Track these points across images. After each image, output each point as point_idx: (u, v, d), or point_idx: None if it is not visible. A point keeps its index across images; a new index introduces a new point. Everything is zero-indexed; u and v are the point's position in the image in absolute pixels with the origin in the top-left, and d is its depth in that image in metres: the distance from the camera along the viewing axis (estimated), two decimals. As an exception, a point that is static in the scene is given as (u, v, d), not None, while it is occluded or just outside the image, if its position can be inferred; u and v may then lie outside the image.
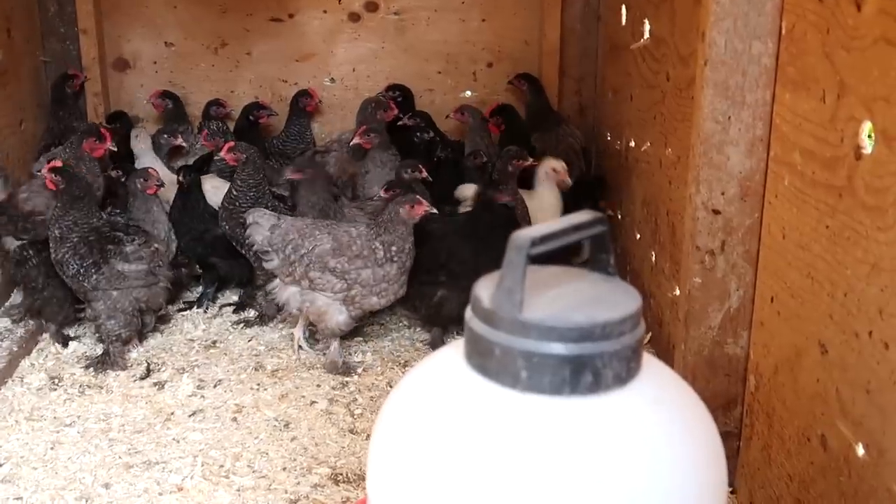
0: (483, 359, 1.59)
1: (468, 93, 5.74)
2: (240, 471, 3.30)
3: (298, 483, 3.24)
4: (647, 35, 4.19)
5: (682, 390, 1.70)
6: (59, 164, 4.08)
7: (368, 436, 3.44)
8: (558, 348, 1.52)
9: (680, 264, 3.26)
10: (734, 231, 2.93)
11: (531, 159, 4.56)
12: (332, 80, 5.72)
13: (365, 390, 3.83)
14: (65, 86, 5.27)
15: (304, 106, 5.48)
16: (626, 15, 4.67)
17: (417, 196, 3.84)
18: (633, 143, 4.50)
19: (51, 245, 4.03)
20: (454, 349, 1.71)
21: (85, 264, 3.93)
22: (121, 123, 5.25)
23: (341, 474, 3.28)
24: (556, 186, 4.67)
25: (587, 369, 1.53)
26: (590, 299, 1.63)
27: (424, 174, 4.43)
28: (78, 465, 3.34)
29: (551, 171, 4.64)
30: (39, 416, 3.65)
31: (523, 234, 1.57)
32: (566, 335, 1.53)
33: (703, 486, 1.56)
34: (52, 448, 3.44)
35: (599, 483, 1.47)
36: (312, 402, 3.73)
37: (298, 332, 4.11)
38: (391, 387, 3.81)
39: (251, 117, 5.38)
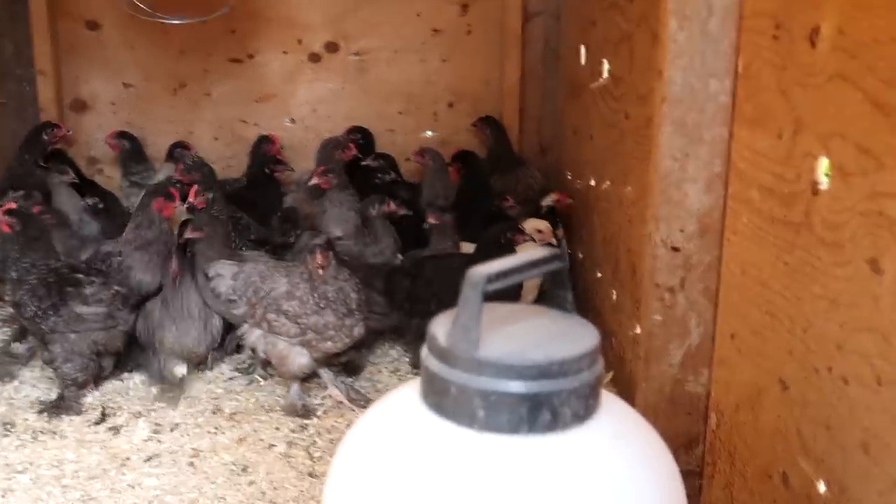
0: (439, 398, 1.57)
1: (429, 133, 5.75)
2: (197, 517, 3.24)
3: (257, 528, 3.19)
4: (605, 75, 4.21)
5: (641, 427, 1.69)
6: (13, 205, 4.03)
7: (328, 479, 3.41)
8: (516, 386, 1.50)
9: (640, 302, 3.26)
10: (693, 268, 2.93)
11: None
12: (293, 120, 5.71)
13: (325, 433, 3.77)
14: (42, 133, 5.15)
15: (265, 152, 5.44)
16: (586, 55, 4.69)
17: (316, 246, 3.77)
18: (593, 182, 4.51)
19: (8, 287, 3.98)
20: (411, 388, 1.68)
21: (43, 306, 3.86)
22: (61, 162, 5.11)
23: (301, 519, 3.23)
24: (539, 247, 4.53)
25: (545, 407, 1.51)
26: (548, 336, 1.61)
27: (393, 207, 4.43)
28: (30, 513, 3.27)
29: (535, 232, 4.56)
30: (-10, 462, 3.58)
31: (479, 271, 1.55)
32: (523, 373, 1.51)
33: (663, 525, 1.54)
34: (2, 496, 3.35)
35: (558, 523, 1.44)
36: (271, 446, 3.67)
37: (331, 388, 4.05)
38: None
39: (267, 170, 5.32)
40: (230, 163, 5.61)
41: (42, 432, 3.77)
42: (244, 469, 3.51)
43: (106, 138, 5.43)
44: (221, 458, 3.58)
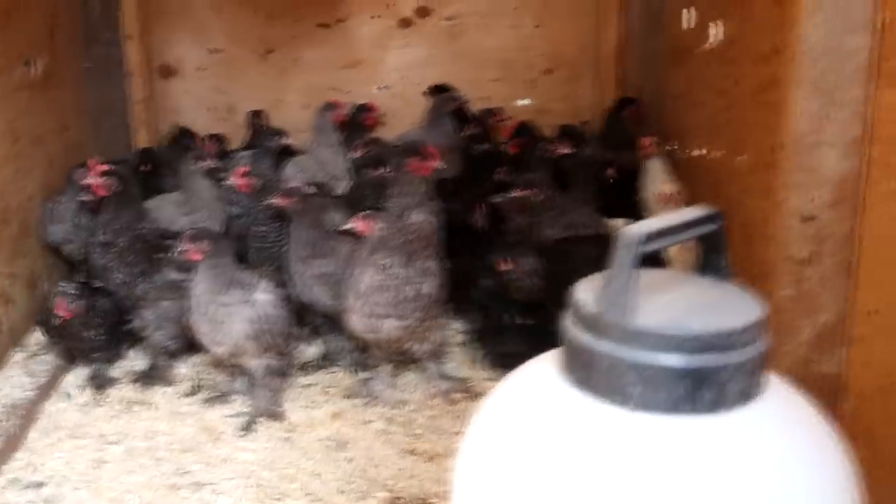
0: (586, 372, 1.41)
1: (525, 101, 5.60)
2: (293, 493, 3.13)
3: (355, 507, 3.08)
4: (717, 37, 4.02)
5: (809, 409, 1.52)
6: (109, 167, 4.00)
7: (429, 457, 3.28)
8: (676, 360, 1.34)
9: (762, 277, 3.07)
10: (826, 240, 2.73)
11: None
12: (384, 87, 5.59)
13: (424, 409, 3.65)
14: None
15: (362, 121, 5.29)
16: (692, 17, 4.49)
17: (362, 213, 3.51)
18: (700, 152, 4.32)
19: (97, 251, 3.91)
20: (546, 361, 1.53)
21: (133, 272, 3.81)
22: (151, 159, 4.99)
23: (401, 498, 3.09)
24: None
25: (709, 384, 1.35)
26: (707, 305, 1.45)
27: None
28: (123, 485, 3.19)
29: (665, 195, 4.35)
30: (83, 433, 3.52)
31: (634, 230, 1.39)
32: (685, 345, 1.35)
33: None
34: (95, 467, 3.30)
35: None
36: (368, 422, 3.55)
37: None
38: (450, 406, 3.65)
39: (360, 119, 5.24)
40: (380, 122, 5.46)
41: (135, 403, 3.72)
42: (341, 445, 3.40)
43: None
44: (318, 434, 3.48)
